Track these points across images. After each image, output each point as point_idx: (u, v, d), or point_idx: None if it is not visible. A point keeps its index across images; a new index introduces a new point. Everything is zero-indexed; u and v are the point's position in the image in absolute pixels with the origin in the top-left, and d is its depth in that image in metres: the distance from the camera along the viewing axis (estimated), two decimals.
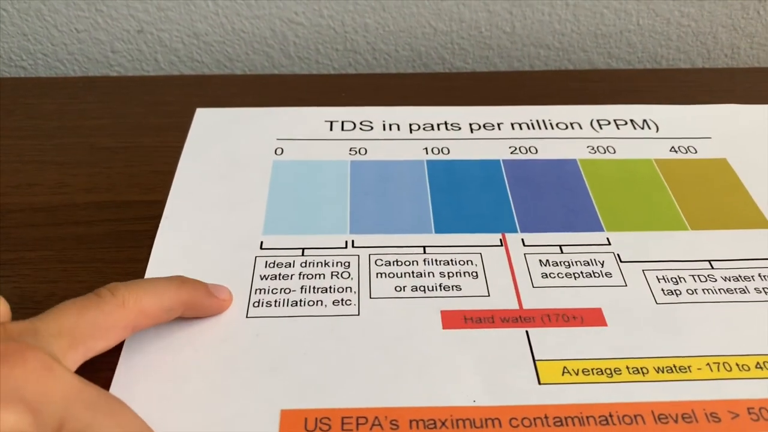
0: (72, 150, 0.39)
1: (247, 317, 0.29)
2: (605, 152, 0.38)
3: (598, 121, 0.41)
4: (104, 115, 0.41)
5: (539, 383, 0.27)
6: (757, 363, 0.27)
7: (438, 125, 0.40)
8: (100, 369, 0.27)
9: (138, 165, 0.38)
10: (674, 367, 0.27)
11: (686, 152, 0.39)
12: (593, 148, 0.39)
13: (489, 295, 0.30)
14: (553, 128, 0.40)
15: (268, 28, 0.46)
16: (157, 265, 0.31)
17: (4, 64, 0.47)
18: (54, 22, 0.46)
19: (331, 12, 0.46)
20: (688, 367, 0.27)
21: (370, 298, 0.30)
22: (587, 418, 0.26)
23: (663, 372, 0.27)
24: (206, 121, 0.40)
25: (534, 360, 0.28)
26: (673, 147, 0.39)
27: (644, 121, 0.41)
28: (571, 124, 0.40)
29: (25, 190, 0.36)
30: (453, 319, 0.29)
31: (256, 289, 0.30)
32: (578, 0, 0.46)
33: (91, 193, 0.35)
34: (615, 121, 0.41)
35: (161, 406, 0.26)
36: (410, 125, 0.40)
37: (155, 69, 0.48)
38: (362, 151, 0.38)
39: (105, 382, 0.26)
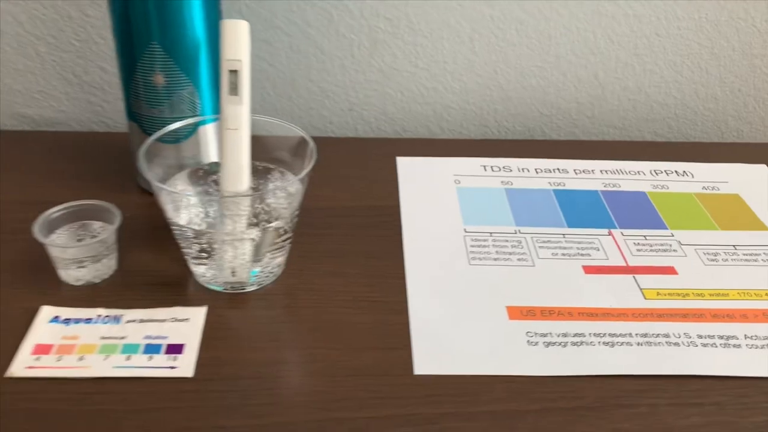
0: (324, 175, 0.57)
1: (469, 265, 0.48)
2: (662, 188, 0.58)
3: (655, 170, 0.60)
4: (331, 158, 0.60)
5: (645, 299, 0.45)
6: (766, 293, 0.46)
7: (553, 170, 0.60)
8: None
9: (371, 185, 0.57)
10: (719, 293, 0.46)
11: (712, 190, 0.58)
12: (654, 185, 0.58)
13: (608, 259, 0.49)
14: (626, 174, 0.60)
15: (432, 110, 0.67)
16: (409, 239, 0.50)
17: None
18: (297, 104, 0.66)
19: (474, 101, 0.67)
20: (727, 293, 0.46)
21: (539, 258, 0.49)
22: (672, 315, 0.44)
23: (713, 296, 0.46)
24: (405, 165, 0.60)
25: (640, 288, 0.46)
26: (704, 186, 0.59)
27: (684, 171, 0.61)
28: (639, 171, 0.60)
29: (318, 199, 0.55)
30: (591, 269, 0.48)
31: (469, 253, 0.49)
32: (636, 97, 0.67)
33: (355, 200, 0.55)
34: (665, 171, 0.61)
35: (434, 312, 0.44)
36: (535, 169, 0.60)
37: (354, 134, 0.68)
38: (510, 183, 0.58)
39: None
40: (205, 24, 0.49)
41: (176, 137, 0.48)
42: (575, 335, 0.42)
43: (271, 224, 0.44)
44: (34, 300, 0.43)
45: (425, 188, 0.57)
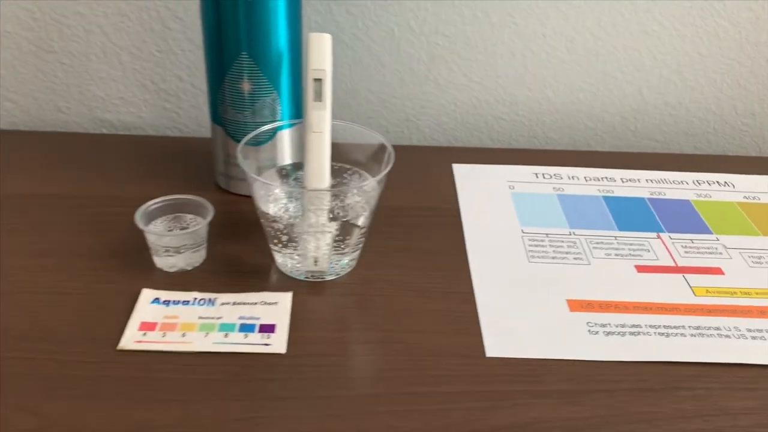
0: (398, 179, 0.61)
1: (529, 262, 0.51)
2: (706, 197, 0.61)
3: (697, 181, 0.64)
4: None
5: (695, 296, 0.48)
6: None
7: (601, 178, 0.63)
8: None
9: (430, 189, 0.60)
10: (765, 292, 0.49)
11: (753, 199, 0.61)
12: (698, 194, 0.61)
13: (658, 259, 0.52)
14: (670, 183, 0.63)
15: (484, 122, 0.71)
16: (470, 237, 0.54)
17: None
18: (357, 113, 0.70)
19: (524, 113, 0.70)
20: None
21: (593, 257, 0.52)
22: (721, 311, 0.47)
23: (759, 295, 0.49)
24: (461, 171, 0.64)
25: (690, 286, 0.49)
26: (745, 196, 0.61)
27: (725, 182, 0.64)
28: (682, 181, 0.63)
29: (381, 199, 0.58)
30: (643, 269, 0.51)
31: (528, 251, 0.53)
32: (677, 112, 0.71)
33: (417, 202, 0.58)
34: (707, 181, 0.64)
35: (499, 302, 0.48)
36: (584, 177, 0.64)
37: (408, 143, 0.72)
38: (561, 189, 0.61)
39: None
40: (288, 37, 0.53)
41: (258, 140, 0.52)
42: (632, 326, 0.46)
43: (354, 219, 0.48)
44: (135, 284, 0.47)
45: (481, 192, 0.61)
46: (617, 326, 0.46)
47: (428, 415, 0.39)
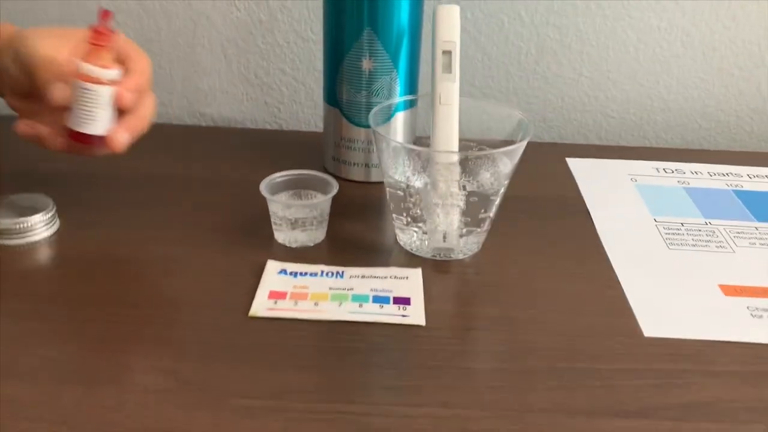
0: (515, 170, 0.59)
1: (668, 249, 0.48)
2: None
3: None
4: None
5: None
6: None
7: (726, 173, 0.60)
8: None
9: (548, 180, 0.57)
10: None
11: None
12: None
13: None
14: None
15: (592, 119, 0.68)
16: (601, 225, 0.51)
17: None
18: None
19: (635, 110, 0.68)
20: None
21: (737, 246, 0.49)
22: None
23: None
24: (577, 164, 0.61)
25: None
26: None
27: None
28: None
29: (514, 185, 0.56)
30: None
31: (665, 239, 0.49)
32: None
33: (537, 191, 0.55)
34: None
35: (647, 287, 0.44)
36: (708, 172, 0.60)
37: None
38: (687, 183, 0.58)
39: None
40: (410, 13, 0.52)
41: (374, 121, 0.50)
42: None
43: (483, 196, 0.45)
44: (257, 256, 0.45)
45: (603, 184, 0.58)
46: None
47: (595, 391, 0.35)
